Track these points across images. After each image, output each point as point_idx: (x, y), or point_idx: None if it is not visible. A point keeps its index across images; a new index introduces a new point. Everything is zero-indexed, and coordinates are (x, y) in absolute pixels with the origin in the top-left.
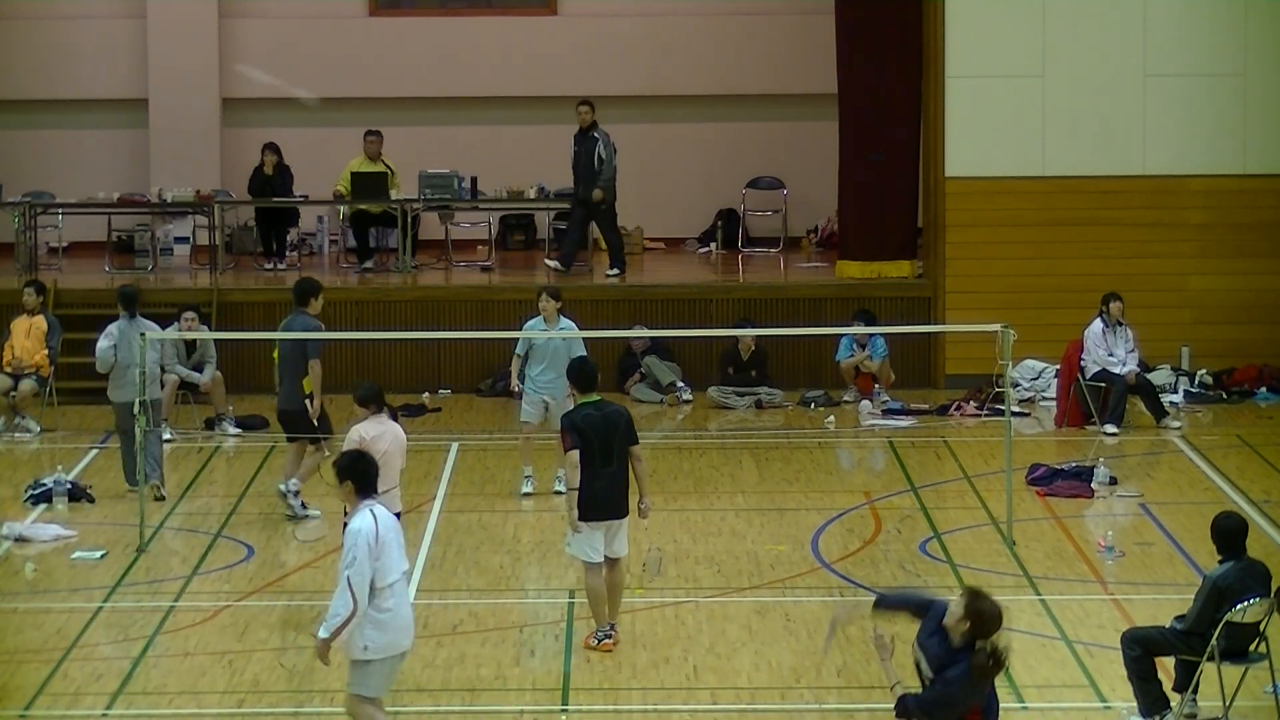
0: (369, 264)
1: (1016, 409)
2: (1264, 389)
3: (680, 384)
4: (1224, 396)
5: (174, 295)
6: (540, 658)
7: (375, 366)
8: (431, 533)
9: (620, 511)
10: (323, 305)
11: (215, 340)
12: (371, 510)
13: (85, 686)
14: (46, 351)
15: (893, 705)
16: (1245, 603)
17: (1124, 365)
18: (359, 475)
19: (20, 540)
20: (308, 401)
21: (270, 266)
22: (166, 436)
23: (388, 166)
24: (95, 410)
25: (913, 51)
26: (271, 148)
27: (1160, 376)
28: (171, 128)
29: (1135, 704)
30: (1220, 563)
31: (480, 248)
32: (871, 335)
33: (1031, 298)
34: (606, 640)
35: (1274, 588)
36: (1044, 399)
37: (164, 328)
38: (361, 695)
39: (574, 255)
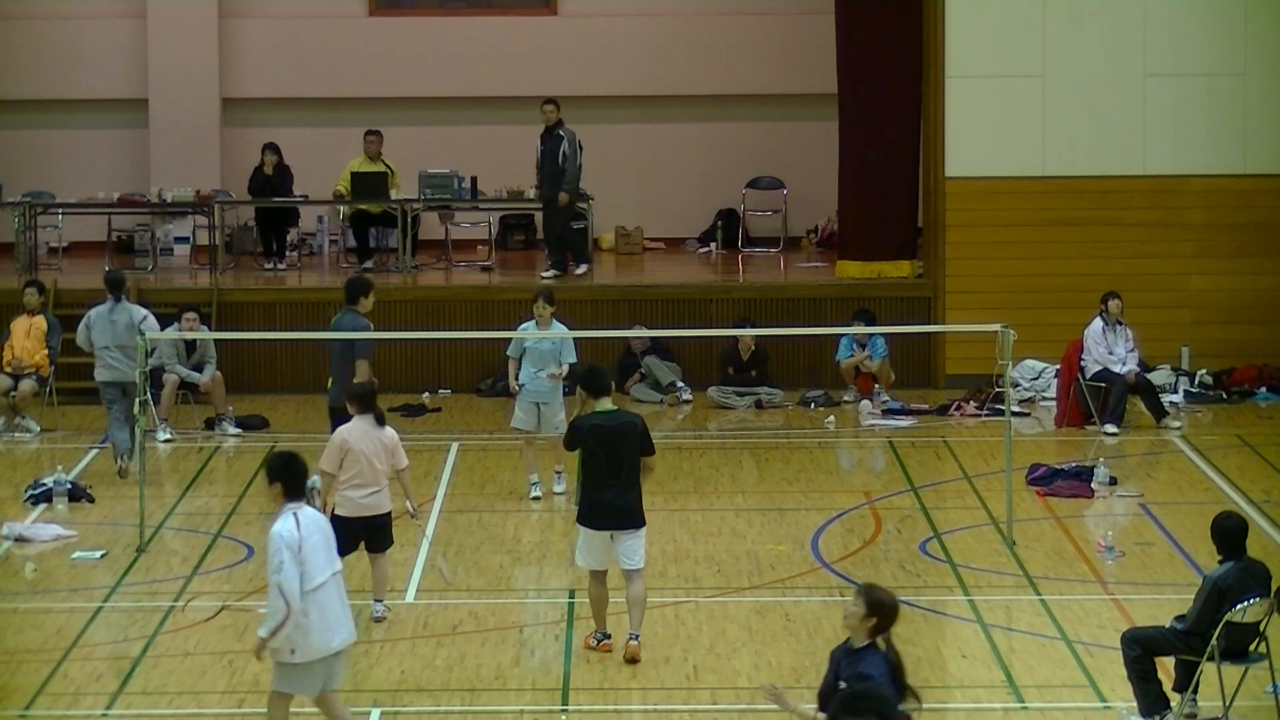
0: (369, 264)
1: (1016, 409)
2: (1264, 389)
3: (680, 384)
4: (1224, 396)
5: (174, 295)
6: (540, 658)
7: (375, 366)
8: (431, 533)
9: (626, 523)
10: (373, 303)
11: (215, 340)
12: (295, 514)
13: (85, 686)
14: (46, 351)
15: None
16: (1245, 603)
17: (1124, 364)
18: (289, 478)
19: (20, 540)
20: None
21: (270, 266)
22: (166, 436)
23: (388, 166)
24: (95, 410)
25: (913, 51)
26: (271, 148)
27: (1160, 376)
28: (171, 128)
29: (1135, 704)
30: (1220, 563)
31: (480, 248)
32: (871, 335)
33: (1031, 298)
34: (605, 641)
35: (1274, 588)
36: (1044, 399)
37: (164, 328)
38: (279, 692)
39: (563, 255)
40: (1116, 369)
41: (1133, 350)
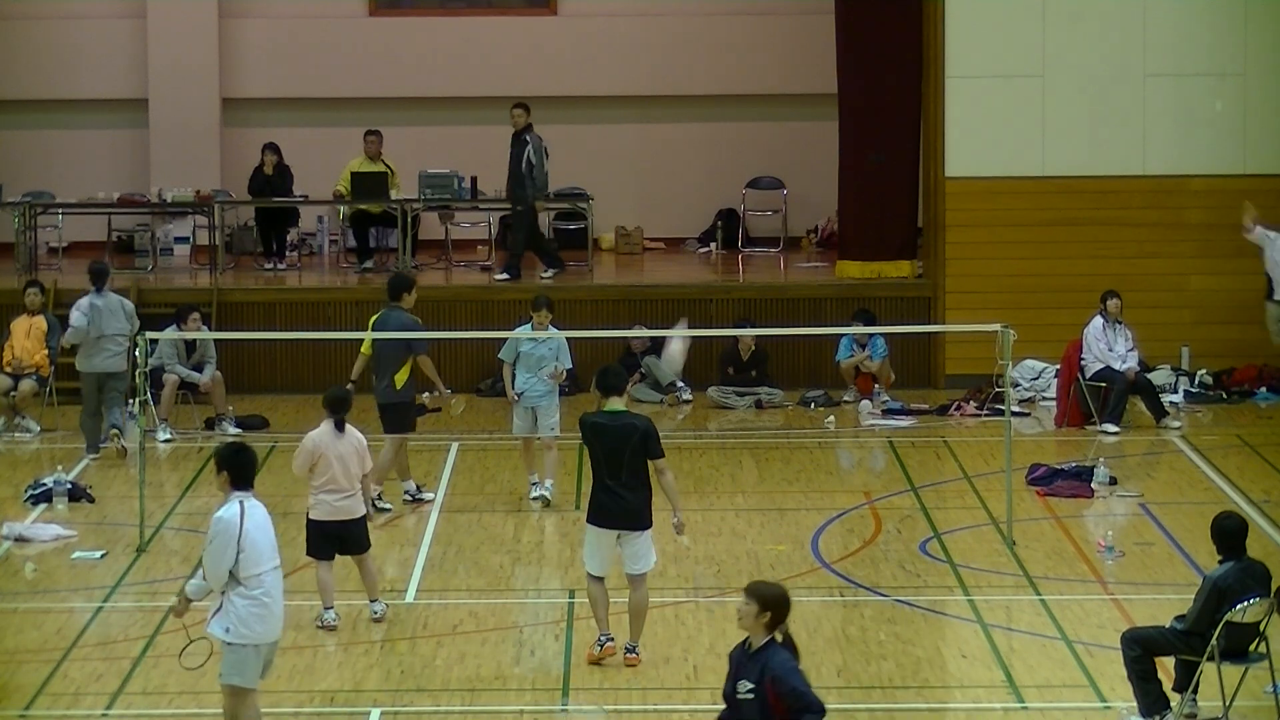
0: (369, 264)
1: (1016, 409)
2: (1264, 389)
3: (680, 384)
4: (1224, 396)
5: (174, 295)
6: (540, 658)
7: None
8: (431, 533)
9: (627, 523)
10: (415, 299)
11: (215, 340)
12: (241, 502)
13: (85, 686)
14: (46, 352)
15: None
16: (1245, 603)
17: (1124, 362)
18: (235, 467)
19: (20, 540)
20: (425, 394)
21: (270, 266)
22: (166, 436)
23: (388, 166)
24: None
25: (913, 51)
26: (271, 148)
27: (1160, 376)
28: (171, 128)
29: (1135, 704)
30: (1220, 563)
31: (480, 248)
32: (871, 335)
33: (1031, 298)
34: (609, 644)
35: (1274, 588)
36: (1044, 399)
37: (163, 328)
38: (234, 685)
39: (552, 256)
40: (1116, 366)
41: (1132, 349)
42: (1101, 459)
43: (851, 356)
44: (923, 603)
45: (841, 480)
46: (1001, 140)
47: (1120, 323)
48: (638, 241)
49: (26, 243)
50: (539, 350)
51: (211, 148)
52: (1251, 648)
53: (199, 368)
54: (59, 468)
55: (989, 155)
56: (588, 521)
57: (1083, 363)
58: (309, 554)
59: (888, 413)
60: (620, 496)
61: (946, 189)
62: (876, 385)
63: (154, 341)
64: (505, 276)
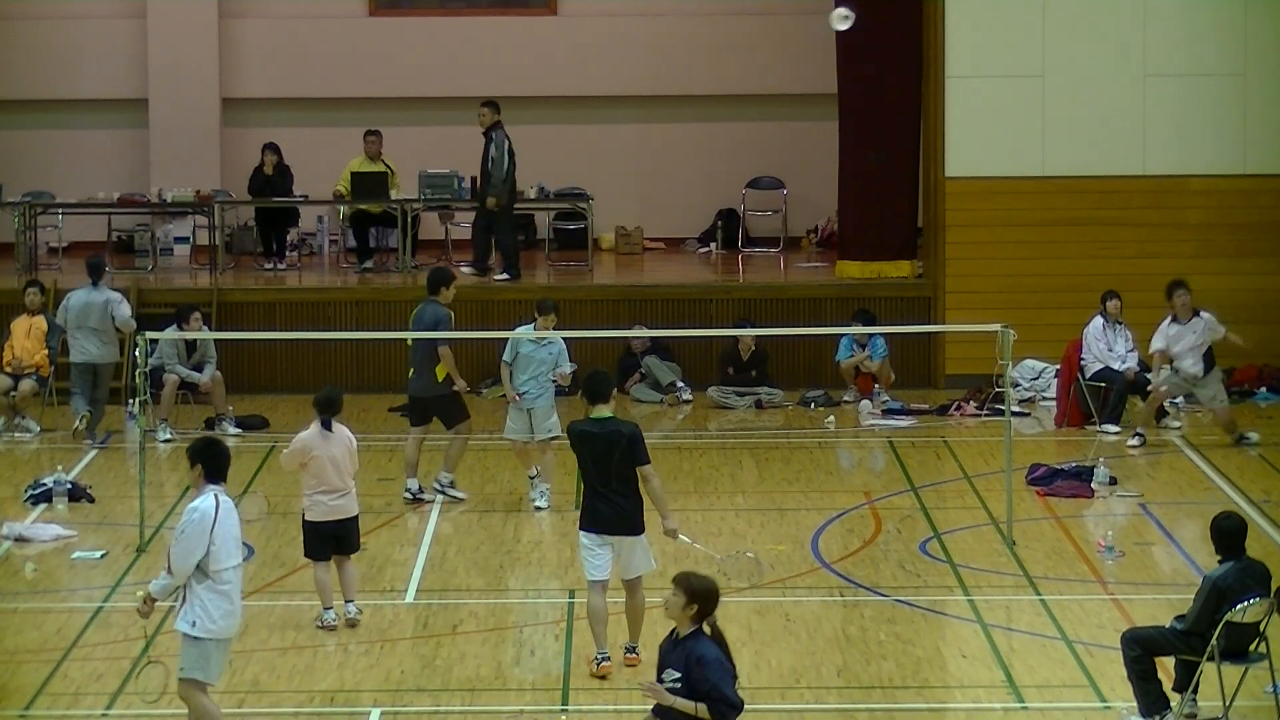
0: (369, 264)
1: (1016, 409)
2: (1264, 389)
3: (680, 384)
4: None
5: (174, 295)
6: (540, 658)
7: (375, 366)
8: (431, 533)
9: (622, 529)
10: (453, 295)
11: (215, 340)
12: (216, 496)
13: (85, 686)
14: (46, 352)
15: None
16: (1245, 603)
17: (1124, 362)
18: (209, 460)
19: (20, 540)
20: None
21: (270, 266)
22: (166, 436)
23: (388, 166)
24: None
25: (913, 51)
26: (271, 148)
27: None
28: (171, 128)
29: (1135, 704)
30: (1220, 563)
31: None
32: (871, 335)
33: (1031, 298)
34: (605, 664)
35: (1274, 588)
36: (1044, 399)
37: (163, 328)
38: (194, 680)
39: (513, 261)
40: (1116, 366)
41: (1132, 350)
42: (1101, 459)
43: (851, 356)
44: (923, 603)
45: (841, 480)
46: (1001, 140)
47: (1120, 323)
48: (638, 241)
49: (26, 243)
50: (539, 353)
51: (211, 148)
52: (1251, 648)
53: (199, 368)
54: (59, 468)
55: (989, 155)
56: (580, 529)
57: (1082, 363)
58: (306, 555)
59: (888, 413)
60: (612, 503)
61: (946, 189)
62: (876, 385)
63: (154, 341)
64: (505, 277)
